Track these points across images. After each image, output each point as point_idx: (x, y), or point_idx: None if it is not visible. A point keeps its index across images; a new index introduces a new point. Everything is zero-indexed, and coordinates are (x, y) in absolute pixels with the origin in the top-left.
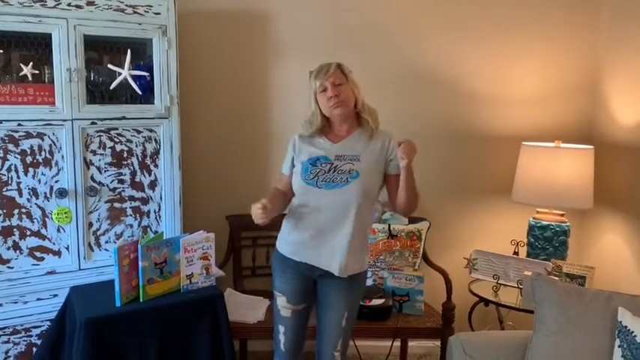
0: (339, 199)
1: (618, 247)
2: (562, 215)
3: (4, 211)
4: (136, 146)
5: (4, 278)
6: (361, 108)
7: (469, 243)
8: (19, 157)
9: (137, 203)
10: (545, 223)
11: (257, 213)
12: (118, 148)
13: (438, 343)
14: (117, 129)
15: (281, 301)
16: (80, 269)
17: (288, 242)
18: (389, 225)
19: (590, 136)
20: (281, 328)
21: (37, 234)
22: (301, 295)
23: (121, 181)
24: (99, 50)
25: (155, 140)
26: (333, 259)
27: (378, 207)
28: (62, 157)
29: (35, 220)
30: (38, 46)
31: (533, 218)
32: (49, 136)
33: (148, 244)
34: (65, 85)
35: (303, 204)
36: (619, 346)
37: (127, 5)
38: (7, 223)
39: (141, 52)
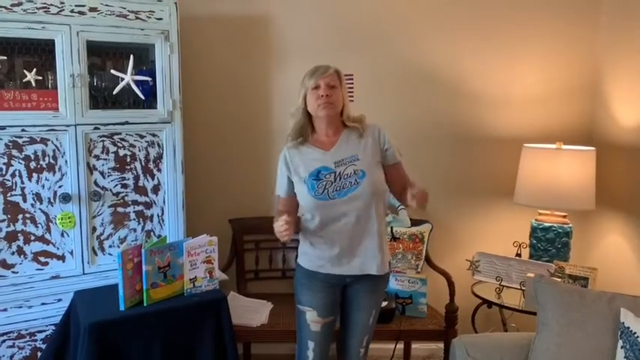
0: (356, 202)
1: (620, 248)
2: (564, 217)
3: (9, 216)
4: (139, 151)
5: (8, 283)
6: (346, 117)
7: (472, 245)
8: (23, 162)
9: (140, 207)
10: (547, 224)
11: (281, 230)
12: (121, 152)
13: (441, 345)
14: (120, 134)
15: (311, 315)
16: (84, 274)
17: (315, 257)
18: (391, 228)
19: (591, 137)
20: (310, 344)
21: (41, 239)
22: (331, 307)
23: (125, 186)
24: (102, 56)
25: (158, 145)
26: (369, 262)
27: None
28: (66, 162)
29: (39, 225)
30: (42, 52)
31: (536, 220)
32: (52, 142)
33: (152, 249)
34: (68, 90)
35: (321, 219)
36: (622, 347)
37: (129, 11)
38: (12, 228)
39: (143, 57)
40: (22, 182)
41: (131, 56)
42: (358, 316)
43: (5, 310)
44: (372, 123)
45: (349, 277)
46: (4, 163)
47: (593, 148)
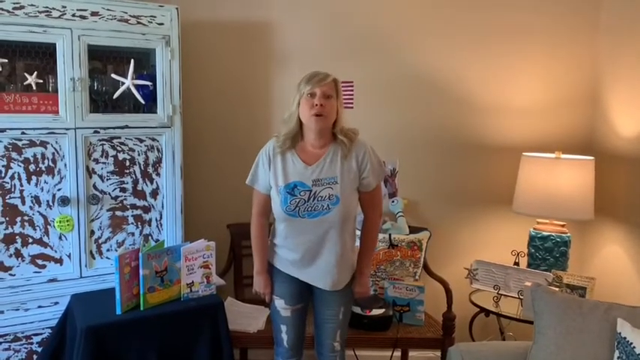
0: (323, 224)
1: (619, 257)
2: (563, 226)
3: (7, 218)
4: (139, 155)
5: (5, 285)
6: (338, 130)
7: (470, 253)
8: (22, 165)
9: (139, 211)
10: (545, 233)
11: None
12: (121, 156)
13: (438, 353)
14: (119, 138)
15: (279, 303)
16: (81, 277)
17: (280, 258)
18: (389, 235)
19: (590, 146)
20: (283, 327)
21: (39, 242)
22: (297, 296)
23: (123, 190)
24: (103, 60)
25: (157, 149)
26: (323, 277)
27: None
28: (65, 165)
29: (37, 228)
30: (43, 56)
31: (534, 229)
32: (52, 145)
33: (149, 253)
34: (69, 94)
35: (286, 230)
36: (618, 358)
37: (130, 16)
38: (10, 230)
39: (144, 61)
40: (21, 185)
41: (132, 61)
42: (326, 312)
43: (2, 312)
44: (362, 141)
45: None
46: (3, 166)
47: (592, 158)
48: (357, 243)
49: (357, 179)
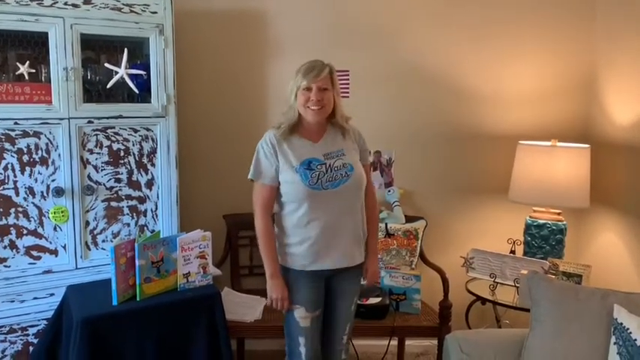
0: (347, 194)
1: (614, 245)
2: (559, 214)
3: (1, 209)
4: (133, 145)
5: (0, 277)
6: (339, 117)
7: (466, 242)
8: (15, 155)
9: (134, 202)
10: (541, 221)
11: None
12: (115, 147)
13: (435, 341)
14: (114, 128)
15: (299, 312)
16: (77, 268)
17: (299, 256)
18: (386, 224)
19: (586, 134)
20: (301, 340)
21: (34, 233)
22: (318, 300)
23: (118, 180)
24: (96, 49)
25: (152, 139)
26: (345, 251)
27: None
28: (59, 155)
29: (32, 219)
30: (35, 45)
31: (530, 217)
32: (45, 135)
33: (145, 243)
34: (62, 83)
35: (309, 210)
36: (615, 343)
37: (123, 4)
38: (4, 221)
39: (138, 50)
40: (15, 176)
41: (125, 50)
42: (341, 304)
43: None
44: (352, 126)
45: (329, 270)
46: None
47: (588, 146)
48: None
49: (358, 152)
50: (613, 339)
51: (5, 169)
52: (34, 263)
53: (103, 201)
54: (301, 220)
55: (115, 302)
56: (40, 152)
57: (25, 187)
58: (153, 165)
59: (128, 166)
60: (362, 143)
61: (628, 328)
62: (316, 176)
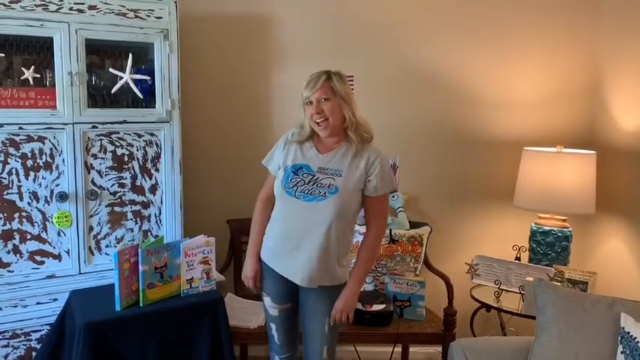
0: (313, 212)
1: (620, 252)
2: (564, 220)
3: (5, 214)
4: (137, 150)
5: (4, 282)
6: (349, 124)
7: (471, 248)
8: (19, 160)
9: (138, 207)
10: (547, 228)
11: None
12: (119, 152)
13: (439, 348)
14: (118, 133)
15: (267, 300)
16: (80, 273)
17: (267, 248)
18: (390, 230)
19: (592, 141)
20: (272, 326)
21: (38, 238)
22: (285, 295)
23: (122, 185)
24: (100, 54)
25: (156, 144)
26: (299, 270)
27: None
28: (63, 160)
29: (36, 224)
30: (40, 50)
31: (535, 223)
32: (49, 140)
33: (149, 248)
34: (66, 88)
35: (279, 209)
36: (622, 352)
37: (128, 9)
38: (8, 226)
39: (142, 55)
40: (19, 180)
41: (130, 55)
42: (310, 324)
43: (0, 309)
44: (377, 148)
45: (285, 278)
46: (0, 161)
47: (593, 152)
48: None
49: (363, 180)
50: (620, 348)
51: (9, 173)
52: (38, 268)
53: (106, 206)
54: (275, 215)
55: (118, 308)
56: (44, 157)
57: (29, 192)
58: (157, 170)
59: (132, 171)
60: (372, 172)
61: (635, 337)
62: (295, 182)
